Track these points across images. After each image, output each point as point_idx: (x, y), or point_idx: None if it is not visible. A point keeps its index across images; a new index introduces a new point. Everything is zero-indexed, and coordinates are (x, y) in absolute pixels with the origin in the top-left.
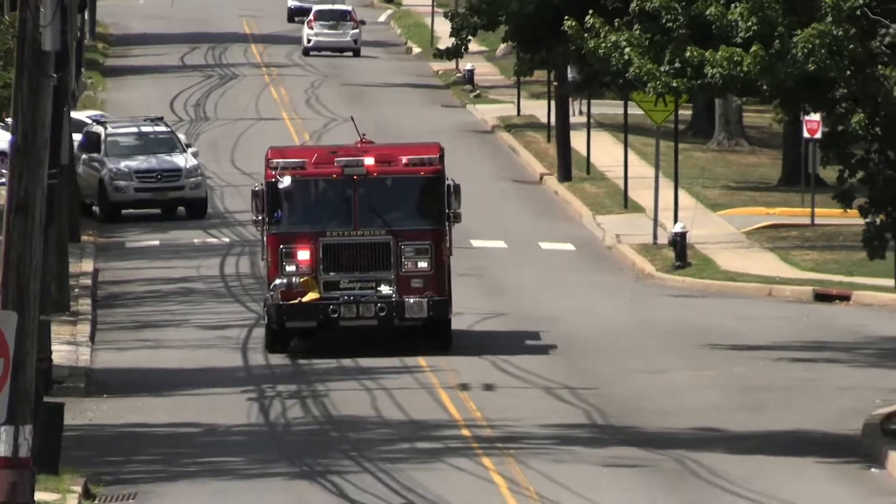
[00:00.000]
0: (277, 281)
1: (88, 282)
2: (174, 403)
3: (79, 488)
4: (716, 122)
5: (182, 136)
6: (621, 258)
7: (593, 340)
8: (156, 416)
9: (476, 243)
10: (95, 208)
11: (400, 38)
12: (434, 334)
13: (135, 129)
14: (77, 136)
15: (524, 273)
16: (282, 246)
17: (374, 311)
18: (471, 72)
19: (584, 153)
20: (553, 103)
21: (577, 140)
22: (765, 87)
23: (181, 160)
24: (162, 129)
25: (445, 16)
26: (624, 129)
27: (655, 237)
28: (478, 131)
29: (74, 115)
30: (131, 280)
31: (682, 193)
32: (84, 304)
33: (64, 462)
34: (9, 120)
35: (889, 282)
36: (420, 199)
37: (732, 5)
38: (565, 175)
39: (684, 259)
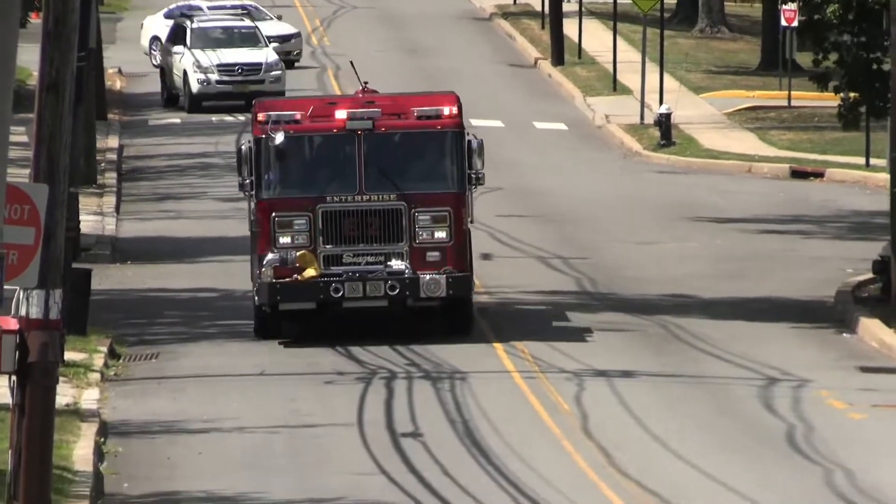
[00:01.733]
0: (269, 255)
1: (114, 157)
2: (193, 270)
3: (105, 348)
4: (699, 11)
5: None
6: (610, 137)
7: (583, 213)
8: (176, 281)
9: (475, 122)
10: (182, 98)
11: None
12: (452, 316)
13: (220, 24)
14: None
15: (520, 150)
16: (274, 214)
17: (384, 289)
18: None
19: (576, 39)
20: None
21: (570, 27)
22: None
23: (262, 55)
24: (246, 23)
25: None
26: (613, 17)
27: (642, 118)
28: (476, 18)
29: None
30: (154, 155)
31: (667, 77)
32: (110, 178)
33: (91, 324)
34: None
35: (860, 159)
36: (437, 158)
37: None
38: (558, 59)
39: (669, 138)
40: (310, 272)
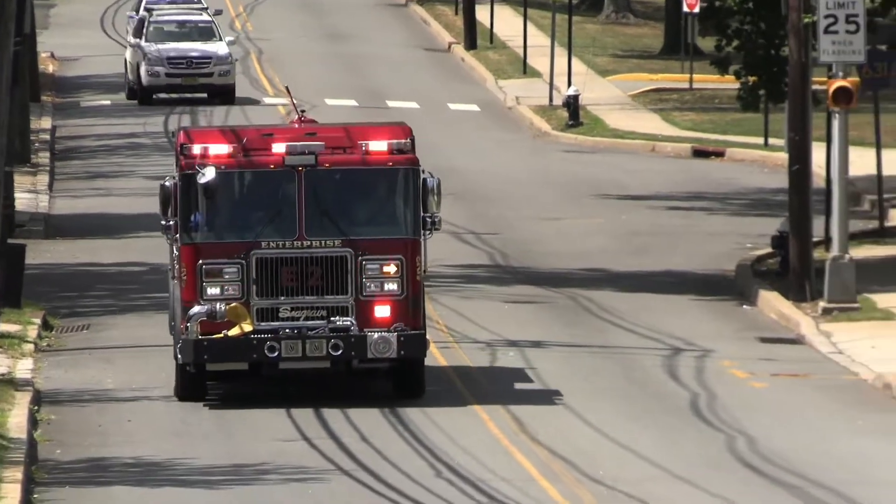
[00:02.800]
0: (196, 309)
1: (47, 137)
2: (123, 245)
3: (38, 320)
4: None
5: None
6: (520, 118)
7: (495, 191)
8: (107, 256)
9: (391, 104)
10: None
11: None
12: (402, 380)
13: (176, 17)
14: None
15: (434, 131)
16: (201, 261)
17: (327, 348)
18: None
19: (488, 24)
20: None
21: (482, 13)
22: None
23: (214, 48)
24: (204, 17)
25: None
26: (524, 3)
27: (551, 99)
28: (392, 4)
29: None
30: (85, 135)
31: (575, 61)
32: (43, 157)
33: (25, 297)
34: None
35: (759, 139)
36: (387, 199)
37: None
38: (471, 44)
39: (577, 119)
40: (241, 328)
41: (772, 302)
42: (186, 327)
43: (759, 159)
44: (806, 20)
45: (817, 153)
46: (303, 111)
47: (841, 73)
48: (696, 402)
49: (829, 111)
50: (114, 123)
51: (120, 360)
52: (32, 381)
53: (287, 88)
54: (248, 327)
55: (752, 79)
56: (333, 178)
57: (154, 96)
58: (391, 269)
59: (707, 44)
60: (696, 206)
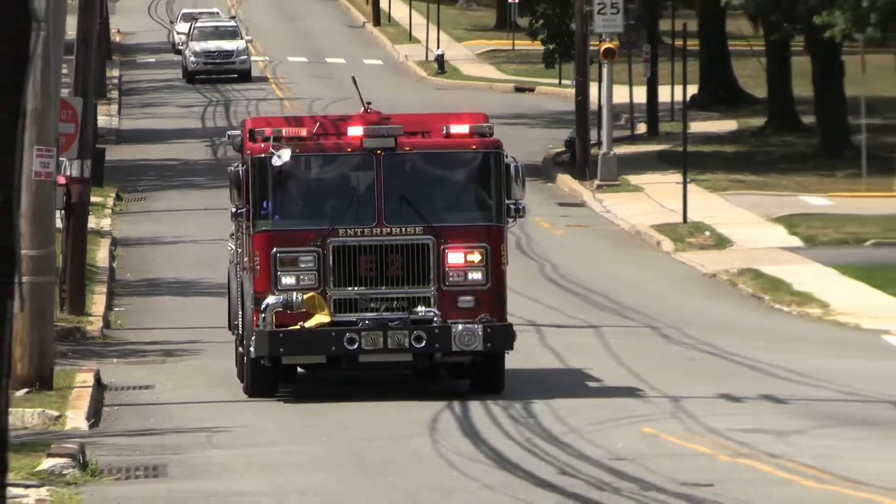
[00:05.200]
0: (271, 299)
1: (116, 81)
2: (165, 148)
3: (114, 194)
4: None
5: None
6: (409, 69)
7: (394, 110)
8: (155, 154)
9: (328, 60)
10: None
11: None
12: (482, 374)
13: (212, 23)
14: None
15: (354, 73)
16: (275, 250)
17: (409, 340)
18: None
19: (387, 9)
20: None
21: (384, 2)
22: None
23: (234, 45)
24: (231, 22)
25: None
26: None
27: (426, 57)
28: None
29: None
30: (140, 80)
31: (443, 34)
32: (114, 94)
33: (105, 180)
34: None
35: (556, 80)
36: (472, 185)
37: None
38: (376, 22)
39: (443, 69)
40: (319, 319)
41: (565, 181)
42: (261, 318)
43: (559, 93)
44: (586, 9)
45: (593, 89)
46: (369, 103)
47: (608, 39)
48: (518, 243)
49: (600, 63)
50: (157, 73)
51: (166, 219)
52: (111, 231)
53: (353, 79)
54: (325, 318)
55: (551, 46)
56: (413, 161)
57: (195, 77)
58: (476, 257)
59: (523, 21)
60: (518, 122)
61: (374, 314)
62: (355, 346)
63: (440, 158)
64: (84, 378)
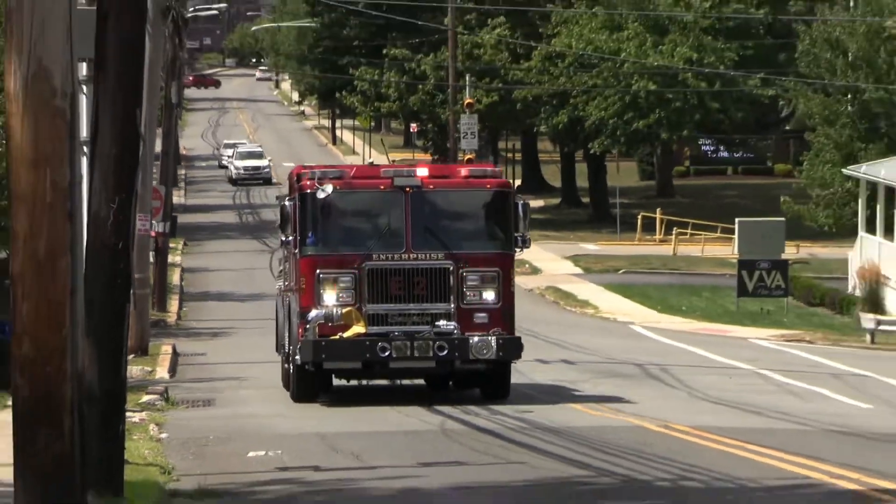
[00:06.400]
0: (314, 312)
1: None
2: (212, 216)
3: (182, 242)
4: None
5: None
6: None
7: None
8: (206, 220)
9: (307, 163)
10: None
11: None
12: (492, 382)
13: (248, 149)
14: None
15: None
16: (319, 271)
17: (433, 349)
18: None
19: (340, 135)
20: None
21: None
22: None
23: (262, 162)
24: (259, 148)
25: None
26: (352, 128)
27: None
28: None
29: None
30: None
31: (372, 150)
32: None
33: (178, 234)
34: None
35: None
36: (485, 218)
37: None
38: (333, 143)
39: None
40: (356, 330)
41: None
42: (306, 329)
43: None
44: (456, 135)
45: None
46: (394, 161)
47: (469, 152)
48: None
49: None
50: (207, 174)
51: (212, 257)
52: (181, 263)
53: (382, 140)
54: (361, 329)
55: (436, 157)
56: (436, 198)
57: (237, 182)
58: (489, 280)
59: (420, 142)
60: None
61: (403, 327)
62: (387, 354)
63: (459, 196)
64: (166, 348)
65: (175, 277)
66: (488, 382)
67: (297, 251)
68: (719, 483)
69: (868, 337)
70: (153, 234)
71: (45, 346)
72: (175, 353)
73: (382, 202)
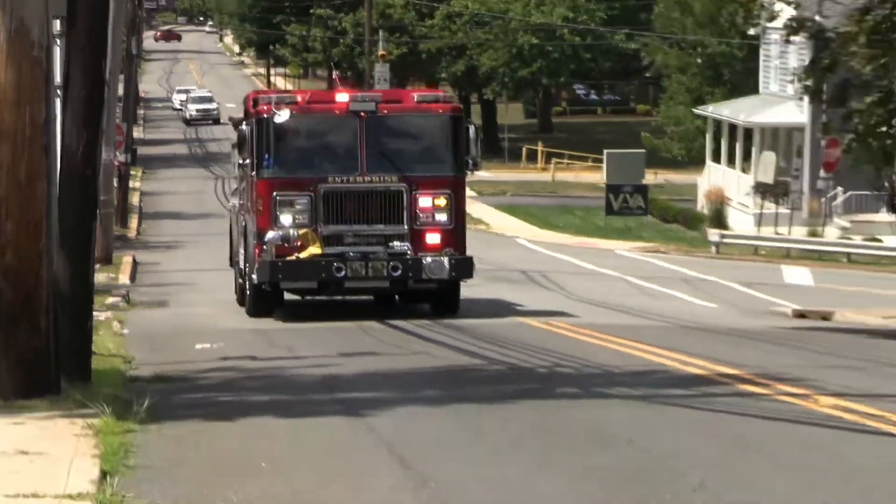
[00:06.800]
0: (271, 234)
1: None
2: (166, 149)
3: (140, 171)
4: None
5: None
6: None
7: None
8: (161, 151)
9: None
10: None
11: None
12: (442, 300)
13: (199, 94)
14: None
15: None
16: (275, 193)
17: (387, 269)
18: None
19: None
20: None
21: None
22: None
23: (212, 105)
24: (208, 94)
25: None
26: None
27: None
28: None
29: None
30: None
31: None
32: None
33: (138, 164)
34: None
35: None
36: (437, 142)
37: None
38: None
39: None
40: (312, 251)
41: None
42: (262, 250)
43: None
44: None
45: None
46: (339, 74)
47: None
48: None
49: None
50: (163, 114)
51: (166, 182)
52: (139, 188)
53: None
54: (317, 250)
55: None
56: (390, 123)
57: (191, 122)
58: (441, 202)
59: None
60: None
61: (358, 248)
62: (342, 274)
63: (412, 120)
64: (127, 259)
65: (135, 200)
66: (439, 300)
67: (253, 174)
68: (588, 369)
69: (713, 248)
70: (116, 163)
71: (26, 256)
72: (135, 263)
73: (338, 127)
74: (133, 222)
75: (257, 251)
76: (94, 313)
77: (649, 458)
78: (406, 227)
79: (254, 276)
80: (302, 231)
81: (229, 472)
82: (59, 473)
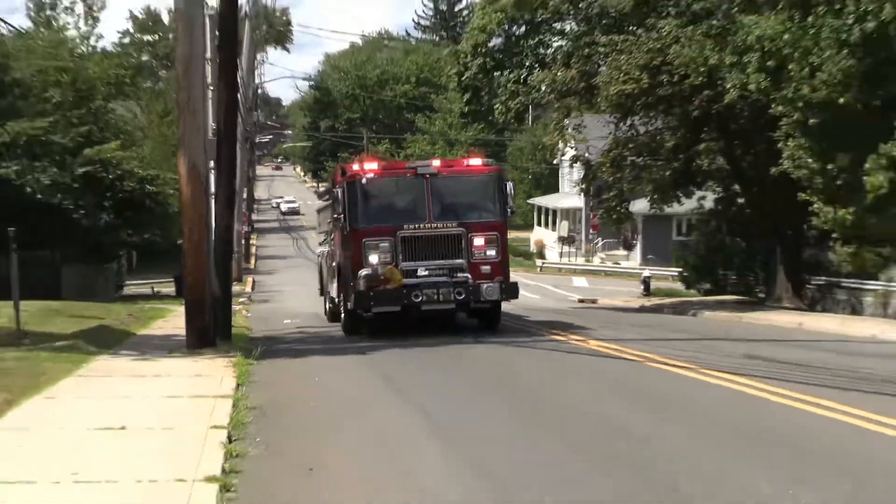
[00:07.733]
0: (363, 270)
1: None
2: (270, 226)
3: (256, 237)
4: None
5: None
6: None
7: None
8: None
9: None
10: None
11: None
12: (489, 317)
13: (288, 200)
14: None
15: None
16: (365, 239)
17: (454, 294)
18: None
19: None
20: None
21: None
22: None
23: (295, 205)
24: (293, 199)
25: None
26: None
27: None
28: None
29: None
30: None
31: None
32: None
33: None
34: None
35: None
36: (485, 196)
37: None
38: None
39: None
40: (395, 282)
41: None
42: (358, 283)
43: None
44: None
45: None
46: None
47: None
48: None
49: None
50: (267, 207)
51: (272, 240)
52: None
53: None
54: (399, 282)
55: None
56: (449, 182)
57: (283, 214)
58: (491, 241)
59: None
60: None
61: (430, 279)
62: (419, 300)
63: (465, 179)
64: (249, 279)
65: (252, 249)
66: (486, 316)
67: (346, 224)
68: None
69: (539, 269)
70: (243, 231)
71: (198, 278)
72: (253, 281)
73: (409, 187)
74: (252, 261)
75: (353, 284)
76: (233, 307)
77: (502, 369)
78: (465, 261)
79: (349, 304)
80: (388, 267)
81: (299, 383)
82: (215, 385)
